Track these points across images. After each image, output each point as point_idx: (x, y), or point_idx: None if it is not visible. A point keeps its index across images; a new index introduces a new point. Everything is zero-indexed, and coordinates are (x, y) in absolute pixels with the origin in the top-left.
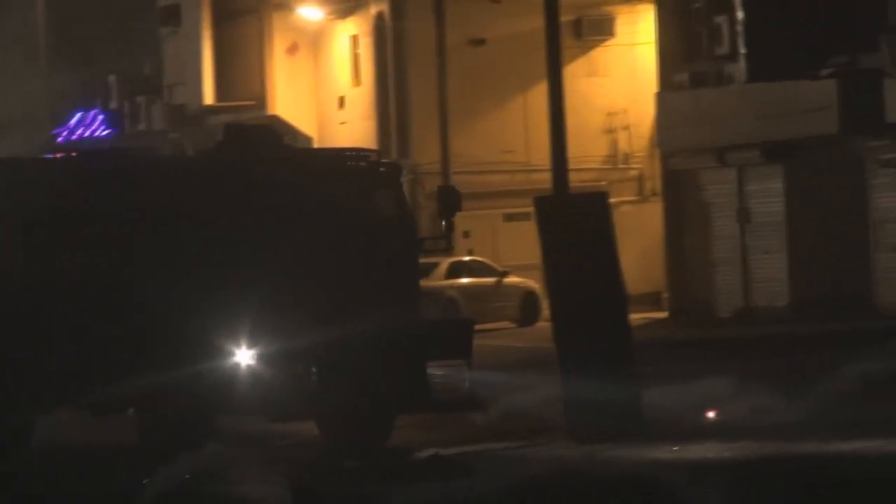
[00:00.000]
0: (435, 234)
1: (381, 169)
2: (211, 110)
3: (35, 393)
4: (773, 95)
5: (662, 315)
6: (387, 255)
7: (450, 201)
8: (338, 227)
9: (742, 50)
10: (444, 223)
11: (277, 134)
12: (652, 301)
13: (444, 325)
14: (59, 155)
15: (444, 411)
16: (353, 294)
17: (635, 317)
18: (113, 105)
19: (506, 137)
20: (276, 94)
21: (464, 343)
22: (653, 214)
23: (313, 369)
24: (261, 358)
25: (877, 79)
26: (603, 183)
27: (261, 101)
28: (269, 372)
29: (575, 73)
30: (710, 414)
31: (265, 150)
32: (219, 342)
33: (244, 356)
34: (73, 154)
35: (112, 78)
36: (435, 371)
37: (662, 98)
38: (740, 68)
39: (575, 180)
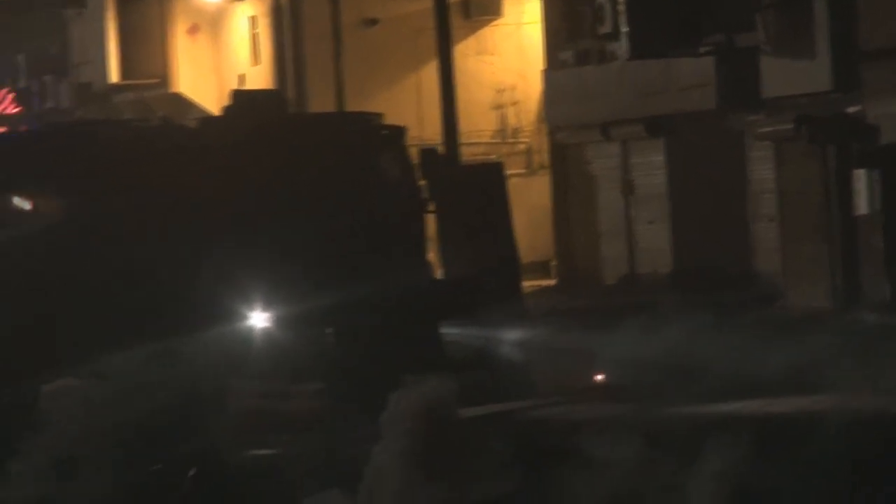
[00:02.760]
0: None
1: (384, 132)
2: (116, 88)
3: (39, 362)
4: (654, 72)
5: (551, 282)
6: (393, 216)
7: (433, 163)
8: (344, 190)
9: (623, 29)
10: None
11: (283, 99)
12: (541, 269)
13: (452, 284)
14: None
15: (456, 371)
16: (362, 256)
17: (525, 284)
18: (21, 84)
19: (399, 114)
20: (179, 72)
21: (473, 301)
22: (541, 186)
23: (328, 331)
24: (275, 321)
25: (753, 56)
26: (493, 157)
27: (164, 79)
28: (284, 334)
29: (464, 52)
30: (599, 377)
31: (272, 115)
32: (232, 305)
33: (258, 319)
34: (72, 125)
35: (20, 57)
36: (449, 330)
37: (548, 75)
38: (622, 46)
39: (466, 153)
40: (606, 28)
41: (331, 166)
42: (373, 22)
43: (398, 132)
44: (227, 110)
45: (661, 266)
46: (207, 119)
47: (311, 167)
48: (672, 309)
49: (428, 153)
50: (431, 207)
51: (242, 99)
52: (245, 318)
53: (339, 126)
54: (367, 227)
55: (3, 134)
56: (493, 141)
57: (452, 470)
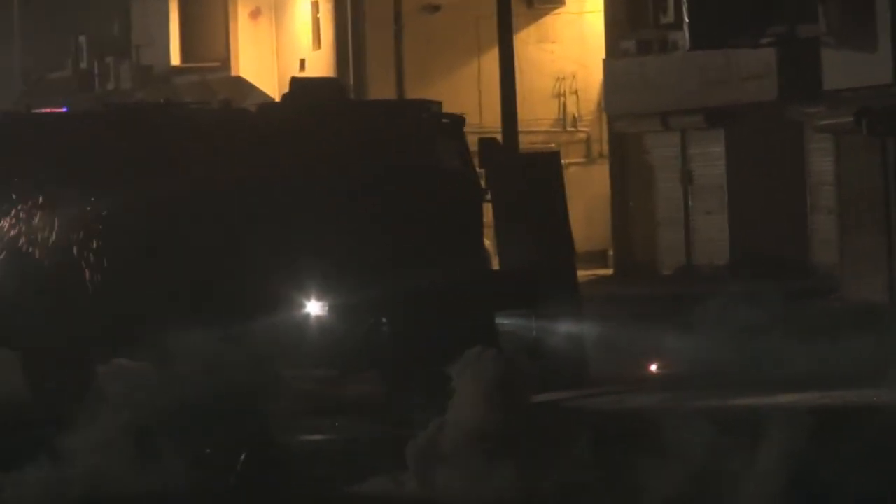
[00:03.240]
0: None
1: (444, 120)
2: (177, 71)
3: (95, 342)
4: (715, 63)
5: (608, 272)
6: (451, 205)
7: (492, 153)
8: (402, 178)
9: (685, 19)
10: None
11: (342, 87)
12: (598, 258)
13: (509, 276)
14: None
15: None
16: (418, 245)
17: (582, 273)
18: (83, 65)
19: (459, 101)
20: (240, 56)
21: (529, 292)
22: (600, 175)
23: (384, 320)
24: (330, 309)
25: (814, 48)
26: (552, 145)
27: (225, 62)
28: (340, 323)
29: (525, 40)
30: (653, 367)
31: (330, 102)
32: (288, 294)
33: (314, 308)
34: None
35: (82, 39)
36: (503, 321)
37: (609, 64)
38: (684, 36)
39: (525, 142)
40: (668, 18)
41: (390, 154)
42: (435, 8)
43: (458, 121)
44: (286, 98)
45: (718, 257)
46: (266, 104)
47: (371, 154)
48: (727, 301)
49: (487, 142)
50: (489, 196)
51: (301, 86)
52: (301, 305)
53: (398, 114)
54: (424, 216)
55: (65, 113)
56: (553, 129)
57: (520, 454)
